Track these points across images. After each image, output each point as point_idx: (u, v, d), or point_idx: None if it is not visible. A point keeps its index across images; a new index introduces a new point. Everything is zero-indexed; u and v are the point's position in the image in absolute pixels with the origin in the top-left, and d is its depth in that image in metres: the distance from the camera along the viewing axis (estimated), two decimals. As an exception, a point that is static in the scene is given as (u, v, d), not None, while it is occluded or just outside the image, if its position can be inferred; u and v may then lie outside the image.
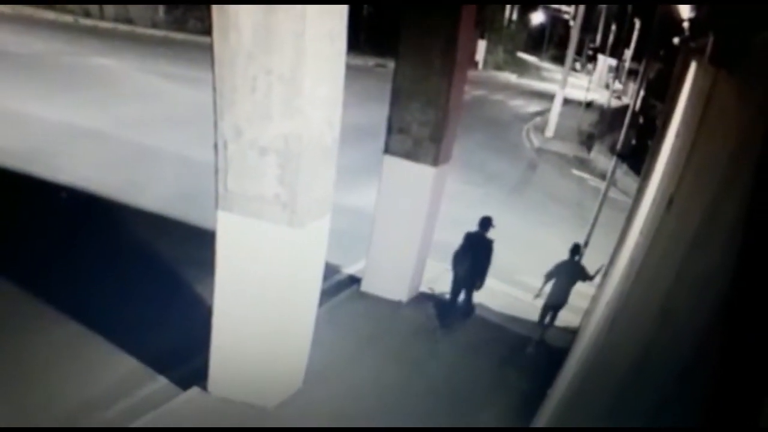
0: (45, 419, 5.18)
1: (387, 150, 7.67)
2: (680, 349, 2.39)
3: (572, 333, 8.28)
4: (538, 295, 8.17)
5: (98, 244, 8.17)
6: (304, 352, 5.81)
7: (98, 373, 5.91)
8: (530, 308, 9.59)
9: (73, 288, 6.88)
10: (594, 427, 3.42)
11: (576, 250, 8.40)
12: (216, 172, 4.86)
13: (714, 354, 1.95)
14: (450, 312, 8.21)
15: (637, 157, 15.23)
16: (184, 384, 5.75)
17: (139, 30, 27.53)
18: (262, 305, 5.19)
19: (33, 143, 11.50)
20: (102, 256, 7.83)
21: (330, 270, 7.30)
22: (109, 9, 27.62)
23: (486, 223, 7.90)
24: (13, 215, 8.45)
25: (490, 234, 7.88)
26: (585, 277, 8.13)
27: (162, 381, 5.89)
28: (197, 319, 5.70)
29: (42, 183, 9.82)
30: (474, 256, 7.82)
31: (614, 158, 12.89)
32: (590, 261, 9.02)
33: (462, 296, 8.19)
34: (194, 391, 5.63)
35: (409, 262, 8.08)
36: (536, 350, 8.11)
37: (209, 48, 4.54)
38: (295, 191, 4.76)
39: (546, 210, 13.94)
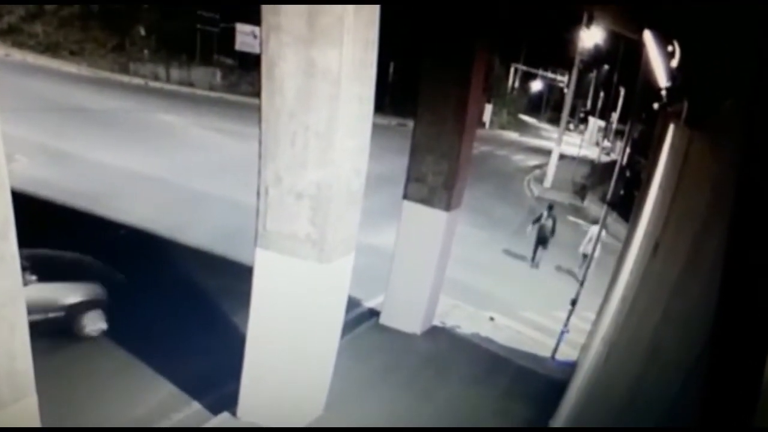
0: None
1: (406, 196, 7.70)
2: (668, 382, 2.32)
3: (572, 367, 8.06)
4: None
5: (147, 276, 8.16)
6: (326, 380, 5.70)
7: (141, 397, 5.84)
8: (531, 341, 9.41)
9: (121, 317, 6.85)
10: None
11: (550, 207, 13.62)
12: (257, 214, 4.91)
13: (698, 390, 1.89)
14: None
15: (625, 206, 15.11)
16: (215, 409, 5.65)
17: (199, 92, 28.26)
18: (291, 335, 5.13)
19: (99, 186, 11.75)
20: (149, 288, 7.80)
21: (352, 303, 7.23)
22: (174, 73, 28.54)
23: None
24: (76, 249, 8.51)
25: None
26: (554, 227, 13.25)
27: (196, 406, 5.81)
28: (230, 349, 5.62)
29: (104, 221, 9.97)
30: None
31: (605, 206, 12.80)
32: (586, 298, 8.86)
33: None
34: (224, 416, 5.52)
35: (424, 298, 7.98)
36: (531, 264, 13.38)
37: (257, 108, 4.65)
38: (324, 231, 4.78)
39: (545, 251, 13.80)
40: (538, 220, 13.43)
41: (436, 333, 8.40)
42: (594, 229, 12.64)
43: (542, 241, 13.35)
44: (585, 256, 12.22)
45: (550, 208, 13.68)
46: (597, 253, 10.06)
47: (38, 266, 6.24)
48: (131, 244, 9.47)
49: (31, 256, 6.71)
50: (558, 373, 8.00)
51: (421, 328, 8.12)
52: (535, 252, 13.49)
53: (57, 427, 4.99)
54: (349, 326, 7.43)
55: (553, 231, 13.48)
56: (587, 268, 9.54)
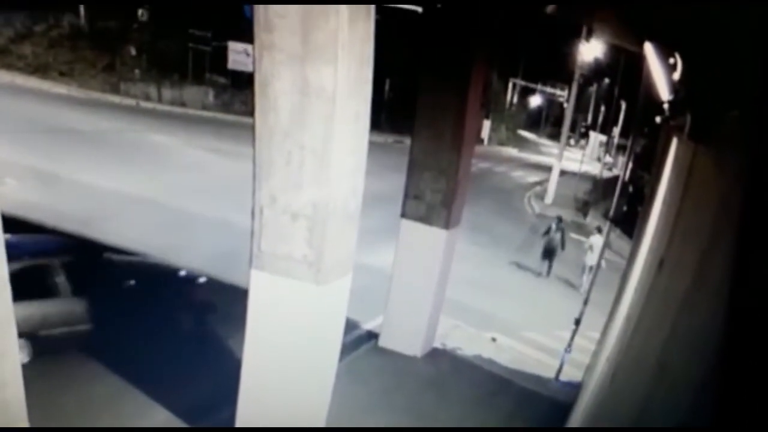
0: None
1: (404, 214, 7.71)
2: (677, 401, 2.30)
3: (576, 388, 8.01)
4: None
5: (138, 301, 8.12)
6: (325, 404, 5.62)
7: (136, 424, 5.76)
8: (534, 362, 9.35)
9: (113, 343, 6.76)
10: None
11: (559, 219, 14.12)
12: (252, 234, 4.91)
13: (709, 407, 1.87)
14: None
15: (628, 222, 15.16)
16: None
17: (191, 111, 28.38)
18: (288, 359, 5.08)
19: (89, 209, 11.73)
20: (141, 313, 7.74)
21: (350, 325, 7.17)
22: (166, 93, 28.71)
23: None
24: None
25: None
26: (563, 241, 13.76)
27: (191, 433, 5.74)
28: (226, 373, 5.57)
29: (95, 244, 9.91)
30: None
31: (608, 223, 12.86)
32: (590, 317, 8.84)
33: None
34: None
35: (423, 319, 7.95)
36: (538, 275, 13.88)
37: (251, 127, 4.66)
38: (321, 252, 4.77)
39: (552, 264, 13.82)
40: (547, 232, 13.97)
41: (437, 355, 8.34)
42: (594, 239, 13.35)
43: (549, 253, 13.76)
44: (590, 266, 12.55)
45: (559, 220, 14.24)
46: (601, 266, 10.09)
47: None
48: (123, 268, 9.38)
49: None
50: (562, 394, 7.95)
51: (421, 350, 8.07)
52: (543, 265, 13.89)
53: (56, 427, 4.93)
54: (348, 349, 7.36)
55: (562, 245, 13.85)
56: (591, 284, 9.55)
